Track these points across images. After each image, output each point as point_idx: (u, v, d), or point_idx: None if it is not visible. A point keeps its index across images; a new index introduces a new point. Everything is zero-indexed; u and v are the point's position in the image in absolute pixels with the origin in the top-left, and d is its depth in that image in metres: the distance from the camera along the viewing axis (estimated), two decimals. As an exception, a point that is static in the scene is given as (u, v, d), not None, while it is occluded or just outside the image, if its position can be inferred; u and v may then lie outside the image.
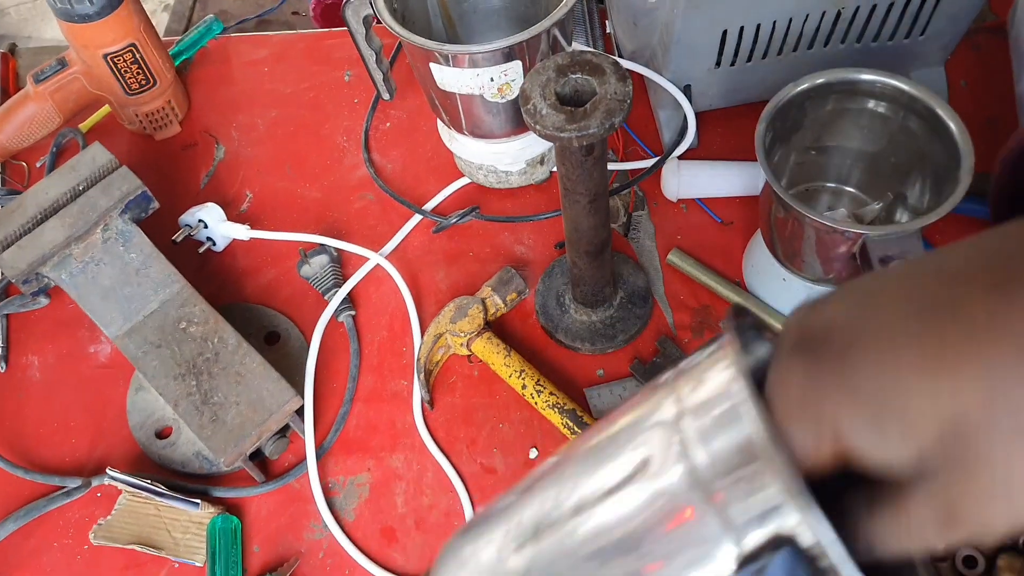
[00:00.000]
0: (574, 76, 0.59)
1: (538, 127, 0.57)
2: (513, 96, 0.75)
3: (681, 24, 0.75)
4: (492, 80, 0.73)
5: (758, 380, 0.33)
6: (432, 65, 0.73)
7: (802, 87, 0.70)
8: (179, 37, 1.02)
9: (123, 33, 0.84)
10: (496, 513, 0.38)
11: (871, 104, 0.71)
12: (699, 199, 0.87)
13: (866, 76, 0.69)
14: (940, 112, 0.66)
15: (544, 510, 0.35)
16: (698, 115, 0.87)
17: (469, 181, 0.90)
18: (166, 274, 0.75)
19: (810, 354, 0.29)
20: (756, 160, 0.68)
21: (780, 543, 0.29)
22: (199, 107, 0.99)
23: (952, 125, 0.65)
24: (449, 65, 0.73)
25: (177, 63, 1.00)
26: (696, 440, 0.31)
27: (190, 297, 0.75)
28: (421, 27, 0.82)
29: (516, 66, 0.73)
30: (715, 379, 0.31)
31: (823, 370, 0.28)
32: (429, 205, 0.89)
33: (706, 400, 0.31)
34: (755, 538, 0.29)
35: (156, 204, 0.77)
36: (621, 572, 0.33)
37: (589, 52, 0.59)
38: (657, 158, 0.87)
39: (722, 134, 0.90)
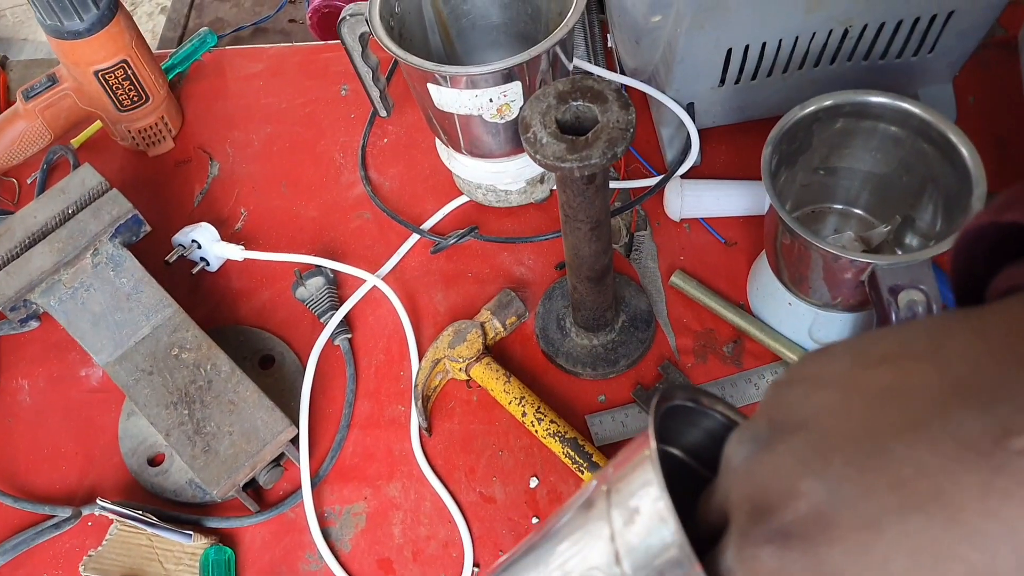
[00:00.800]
0: (575, 103, 0.57)
1: (538, 156, 0.56)
2: (513, 117, 0.74)
3: (684, 43, 0.73)
4: (491, 101, 0.72)
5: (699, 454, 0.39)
6: (430, 85, 0.72)
7: (809, 109, 0.68)
8: (173, 50, 1.01)
9: (114, 50, 0.83)
10: None
11: (881, 126, 0.69)
12: (702, 219, 0.85)
13: (875, 99, 0.68)
14: (952, 137, 0.64)
15: None
16: (701, 132, 0.85)
17: (468, 199, 0.88)
18: (158, 299, 0.73)
19: (779, 539, 0.26)
20: (761, 179, 0.66)
21: None
22: (193, 122, 0.98)
23: (964, 151, 0.63)
24: (447, 86, 0.71)
25: (170, 77, 0.98)
26: None
27: (182, 322, 0.73)
28: (418, 44, 0.81)
29: (516, 87, 0.71)
30: (649, 514, 0.32)
31: (796, 563, 0.26)
32: (427, 224, 0.87)
33: (645, 545, 0.32)
34: None
35: (147, 228, 0.75)
36: None
37: (591, 78, 0.58)
38: (660, 177, 0.86)
39: (726, 151, 0.89)
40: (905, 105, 0.66)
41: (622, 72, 0.90)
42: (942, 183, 0.67)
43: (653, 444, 0.35)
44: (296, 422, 0.74)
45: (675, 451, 0.47)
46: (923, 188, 0.70)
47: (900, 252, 0.75)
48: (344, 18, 0.76)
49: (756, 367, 0.77)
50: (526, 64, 0.69)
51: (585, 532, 0.36)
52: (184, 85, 1.00)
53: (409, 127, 0.95)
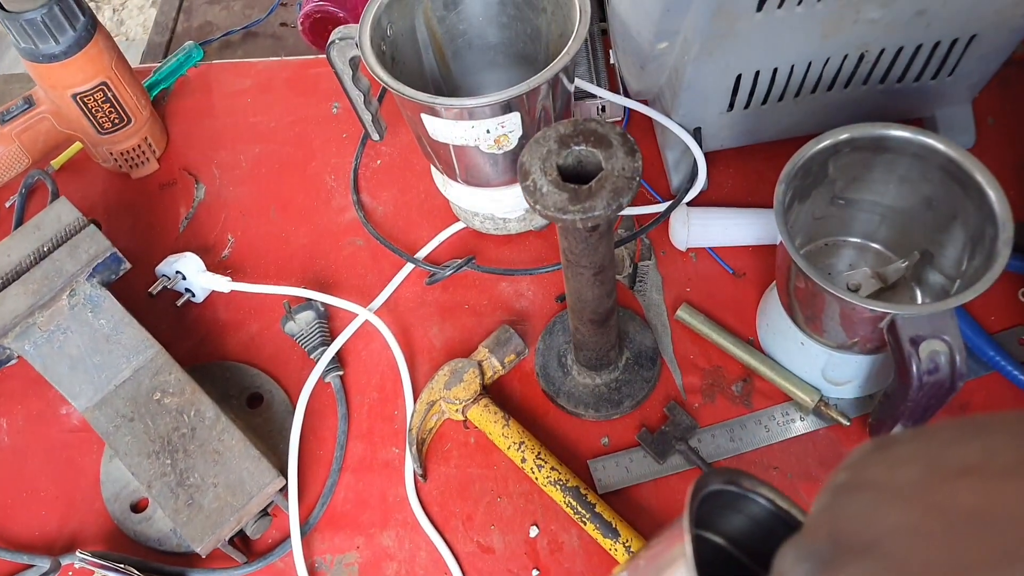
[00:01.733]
0: (578, 148, 0.54)
1: (538, 207, 0.52)
2: (511, 147, 0.70)
3: (692, 70, 0.69)
4: (488, 132, 0.68)
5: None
6: (423, 116, 0.68)
7: (824, 143, 0.65)
8: (156, 64, 0.97)
9: (93, 72, 0.79)
10: None
11: (901, 160, 0.66)
12: (710, 248, 0.81)
13: (895, 132, 0.64)
14: (979, 177, 0.60)
15: None
16: (708, 155, 0.82)
17: (464, 226, 0.84)
18: (139, 339, 0.70)
19: None
20: (770, 206, 0.62)
21: None
22: (178, 142, 0.94)
23: (991, 193, 0.59)
24: (442, 117, 0.67)
25: (154, 93, 0.94)
26: None
27: (165, 364, 0.70)
28: (412, 66, 0.77)
29: (514, 118, 0.67)
30: None
31: None
32: (422, 252, 0.84)
33: None
34: None
35: (127, 265, 0.72)
36: None
37: (594, 121, 0.54)
38: (665, 205, 0.82)
39: (734, 176, 0.85)
40: (928, 141, 0.63)
41: (625, 93, 0.86)
42: (966, 221, 0.64)
43: (689, 549, 0.32)
44: (285, 468, 0.71)
45: (713, 537, 0.44)
46: (946, 225, 0.66)
47: (918, 289, 0.71)
48: (333, 41, 0.72)
49: (766, 407, 0.74)
50: (525, 95, 0.65)
51: None
52: (169, 102, 0.96)
53: (403, 148, 0.91)
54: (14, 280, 0.68)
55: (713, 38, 0.65)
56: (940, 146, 0.62)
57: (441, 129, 0.69)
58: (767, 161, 0.84)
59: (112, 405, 0.68)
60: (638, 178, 0.52)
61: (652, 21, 0.65)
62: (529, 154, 0.53)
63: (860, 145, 0.65)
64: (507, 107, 0.66)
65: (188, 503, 0.64)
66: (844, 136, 0.65)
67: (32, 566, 0.71)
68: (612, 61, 0.90)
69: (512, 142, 0.70)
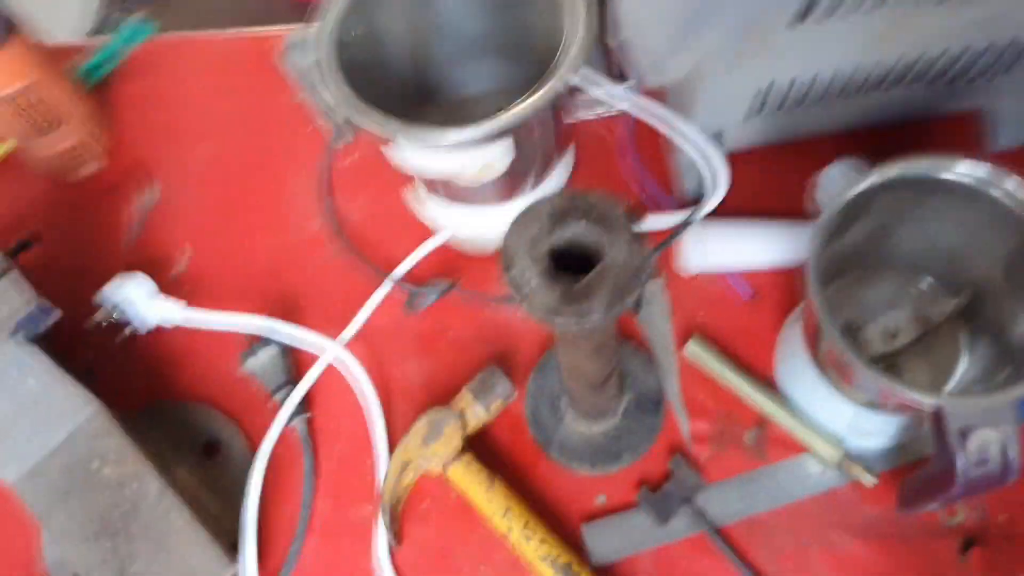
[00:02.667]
0: (574, 225, 0.44)
1: (524, 305, 0.43)
2: (499, 175, 0.60)
3: (715, 81, 0.59)
4: (472, 162, 0.58)
5: None
6: (392, 145, 0.58)
7: (867, 185, 0.54)
8: (97, 41, 0.85)
9: (13, 75, 0.68)
10: None
11: (959, 198, 0.55)
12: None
13: (958, 170, 0.54)
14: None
15: None
16: (727, 156, 0.71)
17: (448, 240, 0.74)
18: (73, 398, 0.61)
19: None
20: (794, 214, 0.53)
21: None
22: (127, 135, 0.83)
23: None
24: (412, 147, 0.57)
25: (99, 76, 0.83)
26: None
27: (103, 427, 0.61)
28: (383, 67, 0.65)
29: (501, 147, 0.57)
30: None
31: None
32: (401, 269, 0.74)
33: None
34: None
35: (56, 315, 0.62)
36: None
37: (594, 193, 0.44)
38: (676, 215, 0.72)
39: (755, 176, 0.74)
40: (1004, 182, 0.52)
41: (632, 89, 0.75)
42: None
43: None
44: (236, 540, 0.64)
45: None
46: (1012, 276, 0.56)
47: (966, 337, 0.62)
48: (287, 50, 0.61)
49: (781, 460, 0.66)
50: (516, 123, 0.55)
51: None
52: (115, 85, 0.85)
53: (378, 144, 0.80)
54: (-80, 340, 0.59)
55: (741, 54, 0.55)
56: (1011, 189, 0.52)
57: (412, 160, 0.58)
58: (796, 159, 0.73)
59: (44, 477, 0.60)
60: (644, 274, 0.42)
61: (667, 36, 0.54)
62: (515, 236, 0.44)
63: (910, 184, 0.55)
64: (494, 136, 0.55)
65: (132, 594, 0.57)
66: (894, 175, 0.54)
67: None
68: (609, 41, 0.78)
69: (498, 170, 0.59)
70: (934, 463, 0.54)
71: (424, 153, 0.57)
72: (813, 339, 0.59)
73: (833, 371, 0.60)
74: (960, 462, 0.50)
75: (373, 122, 0.55)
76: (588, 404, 0.63)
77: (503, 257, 0.44)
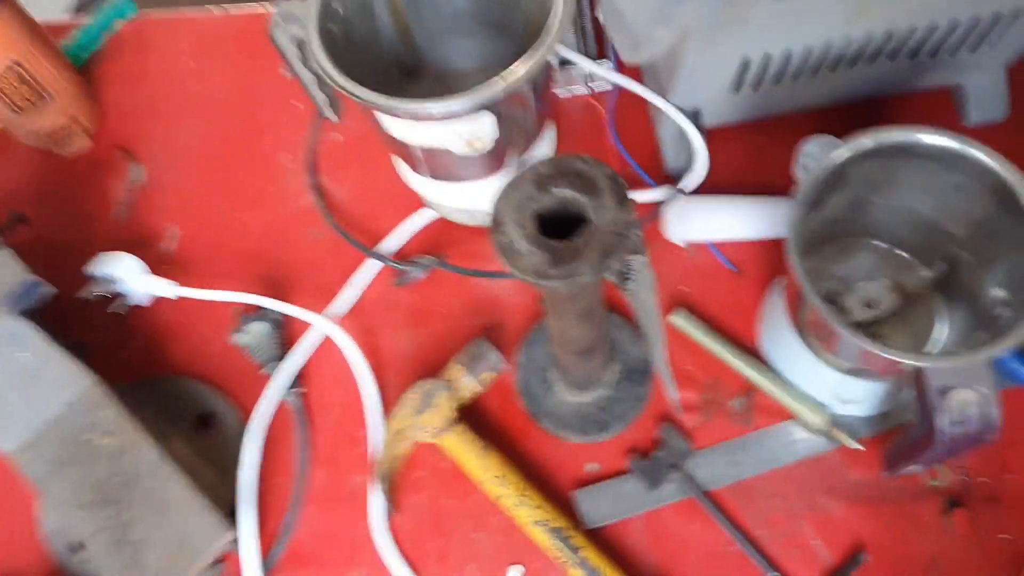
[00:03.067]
0: (559, 191, 0.45)
1: (514, 269, 0.44)
2: (486, 149, 0.61)
3: (694, 56, 0.60)
4: (459, 135, 0.58)
5: None
6: (379, 115, 0.58)
7: (844, 157, 0.56)
8: (82, 21, 0.85)
9: (1, 48, 0.68)
10: None
11: (932, 167, 0.57)
12: (709, 242, 0.73)
13: (928, 140, 0.55)
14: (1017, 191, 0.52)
15: None
16: (709, 131, 0.72)
17: (436, 215, 0.75)
18: (68, 372, 0.62)
19: None
20: (777, 191, 0.54)
21: None
22: (112, 112, 0.83)
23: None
24: (404, 119, 0.57)
25: (83, 55, 0.83)
26: None
27: (99, 399, 0.62)
28: (368, 42, 0.66)
29: (486, 120, 0.58)
30: None
31: None
32: (388, 245, 0.75)
33: None
34: None
35: (49, 290, 0.63)
36: None
37: (579, 158, 0.45)
38: (659, 190, 0.73)
39: (736, 152, 0.76)
40: (972, 152, 0.54)
41: (617, 69, 0.76)
42: (1006, 244, 0.56)
43: None
44: (236, 503, 0.65)
45: None
46: (986, 243, 0.58)
47: (944, 304, 0.64)
48: (276, 23, 0.61)
49: (768, 426, 0.67)
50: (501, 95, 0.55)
51: None
52: (100, 64, 0.85)
53: (364, 123, 0.80)
54: (-85, 315, 0.60)
55: (720, 25, 0.55)
56: (980, 155, 0.54)
57: (402, 130, 0.59)
58: (776, 135, 0.74)
59: (43, 447, 0.61)
60: (630, 233, 0.43)
61: (649, 6, 0.55)
62: (502, 202, 0.45)
63: (886, 153, 0.56)
64: (480, 107, 0.56)
65: (132, 562, 0.58)
66: (869, 145, 0.55)
67: (-30, 612, 0.65)
68: (598, 16, 0.79)
69: (487, 144, 0.60)
70: (917, 424, 0.55)
71: (412, 125, 0.58)
72: (795, 307, 0.60)
73: (816, 339, 0.62)
74: (941, 421, 0.51)
75: (364, 95, 0.55)
76: (577, 373, 0.64)
77: (492, 222, 0.45)
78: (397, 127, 0.59)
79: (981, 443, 0.53)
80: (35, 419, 0.62)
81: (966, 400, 0.51)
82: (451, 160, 0.63)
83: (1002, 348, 0.50)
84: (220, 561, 0.63)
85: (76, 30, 0.85)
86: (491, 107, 0.56)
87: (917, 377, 0.52)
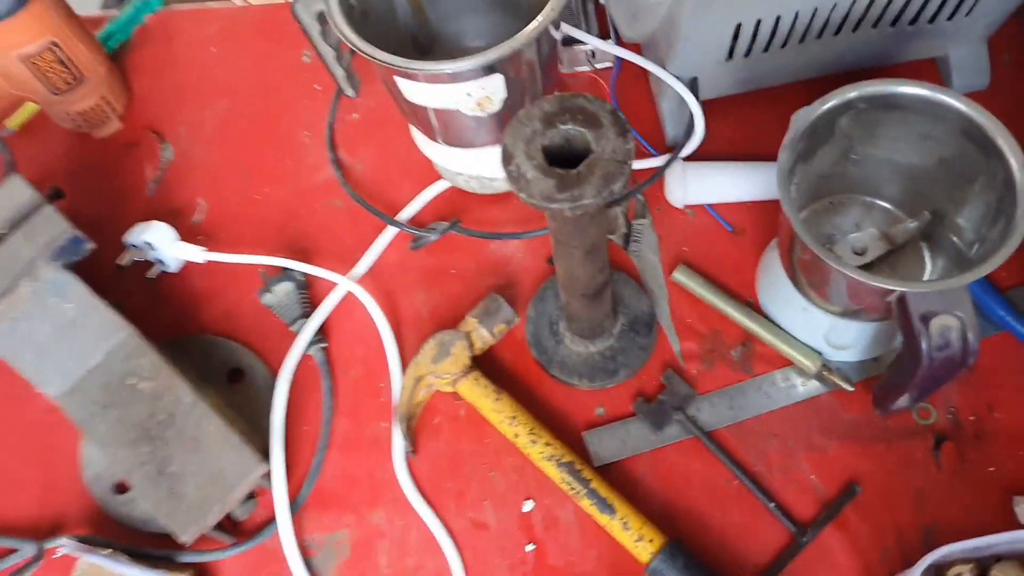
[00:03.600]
0: (564, 127, 0.49)
1: (523, 195, 0.48)
2: (495, 109, 0.65)
3: (688, 22, 0.64)
4: (469, 95, 0.63)
5: None
6: (398, 79, 0.63)
7: (830, 104, 0.60)
8: (111, 12, 0.90)
9: (39, 31, 0.73)
10: None
11: (912, 118, 0.61)
12: (708, 204, 0.77)
13: (908, 90, 0.59)
14: (1000, 143, 0.56)
15: None
16: (706, 102, 0.77)
17: (449, 185, 0.80)
18: (108, 322, 0.67)
19: None
20: (772, 157, 0.58)
21: None
22: (142, 98, 0.88)
23: (1013, 161, 0.55)
24: (419, 80, 0.62)
25: (113, 45, 0.88)
26: None
27: (137, 347, 0.66)
28: (384, 18, 0.71)
29: (496, 80, 0.62)
30: None
31: None
32: (404, 213, 0.79)
33: None
34: None
35: (90, 246, 0.67)
36: None
37: (582, 97, 0.49)
38: (660, 157, 0.77)
39: (733, 124, 0.80)
40: (946, 99, 0.58)
41: (617, 43, 0.80)
42: (981, 186, 0.60)
43: None
44: (267, 448, 0.69)
45: None
46: (962, 188, 0.62)
47: (928, 251, 0.68)
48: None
49: (767, 372, 0.71)
50: (508, 56, 0.60)
51: None
52: (129, 54, 0.90)
53: (381, 100, 0.85)
54: (-33, 267, 0.64)
55: (711, -11, 0.60)
56: (956, 103, 0.58)
57: (418, 92, 0.64)
58: (769, 108, 0.78)
59: (85, 392, 0.65)
60: (630, 162, 0.47)
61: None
62: (512, 136, 0.49)
63: (869, 103, 0.61)
64: (489, 68, 0.61)
65: (170, 494, 0.62)
66: (852, 95, 0.60)
67: (16, 550, 0.69)
68: (601, 0, 0.84)
69: (496, 104, 0.65)
70: (902, 354, 0.59)
71: (427, 88, 0.62)
72: (788, 253, 0.64)
73: (808, 286, 0.66)
74: (924, 345, 0.55)
75: (381, 56, 0.60)
76: (585, 321, 0.68)
77: (502, 154, 0.49)
78: (413, 90, 0.63)
79: (962, 368, 0.57)
80: (78, 366, 0.66)
81: (947, 325, 0.55)
82: (463, 123, 0.67)
83: (974, 275, 0.54)
84: (253, 496, 0.67)
85: (107, 23, 0.90)
86: (500, 68, 0.61)
87: (900, 305, 0.56)
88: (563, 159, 0.49)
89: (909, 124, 0.61)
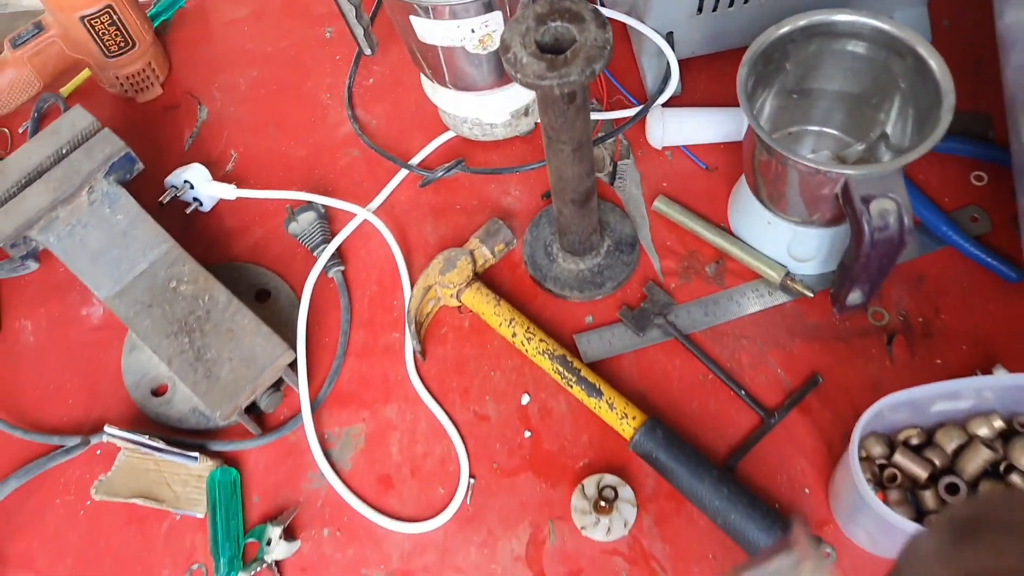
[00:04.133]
0: (554, 24, 0.59)
1: (519, 76, 0.57)
2: (494, 47, 0.75)
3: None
4: (473, 32, 0.73)
5: None
6: (412, 18, 0.73)
7: (784, 30, 0.70)
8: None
9: (97, -5, 0.84)
10: None
11: (852, 45, 0.71)
12: (684, 146, 0.87)
13: (846, 17, 0.69)
14: (921, 51, 0.66)
15: None
16: (681, 63, 0.87)
17: (454, 135, 0.90)
18: (154, 235, 0.75)
19: None
20: (740, 106, 0.68)
21: None
22: (180, 68, 0.99)
23: (933, 63, 0.65)
24: (429, 17, 0.72)
25: (156, 24, 0.99)
26: None
27: (179, 257, 0.75)
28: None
29: (496, 16, 0.72)
30: None
31: None
32: (415, 160, 0.89)
33: None
34: None
35: (140, 165, 0.77)
36: None
37: (568, 2, 0.59)
38: (641, 106, 0.87)
39: (705, 81, 0.91)
40: (874, 22, 0.68)
41: (602, 4, 0.91)
42: (912, 96, 0.70)
43: None
44: (294, 350, 0.77)
45: None
46: (894, 103, 0.72)
47: (874, 169, 0.77)
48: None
49: (738, 285, 0.80)
50: (505, -7, 0.70)
51: None
52: (169, 32, 1.01)
53: (394, 66, 0.96)
54: (36, 179, 0.73)
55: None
56: (885, 26, 0.68)
57: (429, 31, 0.74)
58: (736, 67, 0.88)
59: (131, 294, 0.74)
60: (609, 47, 0.57)
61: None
62: (509, 31, 0.59)
63: (816, 31, 0.71)
64: (489, 6, 0.71)
65: (206, 376, 0.70)
66: (802, 22, 0.70)
67: (62, 446, 0.76)
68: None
69: (495, 42, 0.75)
70: (850, 246, 0.68)
71: (434, 25, 0.73)
72: (752, 168, 0.74)
73: (769, 200, 0.75)
74: (865, 223, 0.64)
75: (398, -8, 0.71)
76: (575, 233, 0.77)
77: (502, 47, 0.59)
78: (425, 29, 0.74)
79: (901, 249, 0.65)
80: (127, 272, 0.75)
81: (885, 208, 0.64)
82: (467, 63, 0.77)
83: (906, 159, 0.63)
84: (279, 390, 0.75)
85: (152, 6, 1.01)
86: (498, 5, 0.71)
87: (845, 192, 0.65)
88: (553, 53, 0.59)
89: (847, 50, 0.71)
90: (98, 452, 0.77)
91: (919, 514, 0.65)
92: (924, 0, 0.87)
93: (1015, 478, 0.64)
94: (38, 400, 0.80)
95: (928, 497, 0.64)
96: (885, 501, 0.65)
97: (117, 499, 0.73)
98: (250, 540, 0.71)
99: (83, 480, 0.75)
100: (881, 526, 0.61)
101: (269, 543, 0.70)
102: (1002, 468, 0.64)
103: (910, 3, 0.87)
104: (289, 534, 0.72)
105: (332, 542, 0.72)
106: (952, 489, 0.64)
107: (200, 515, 0.72)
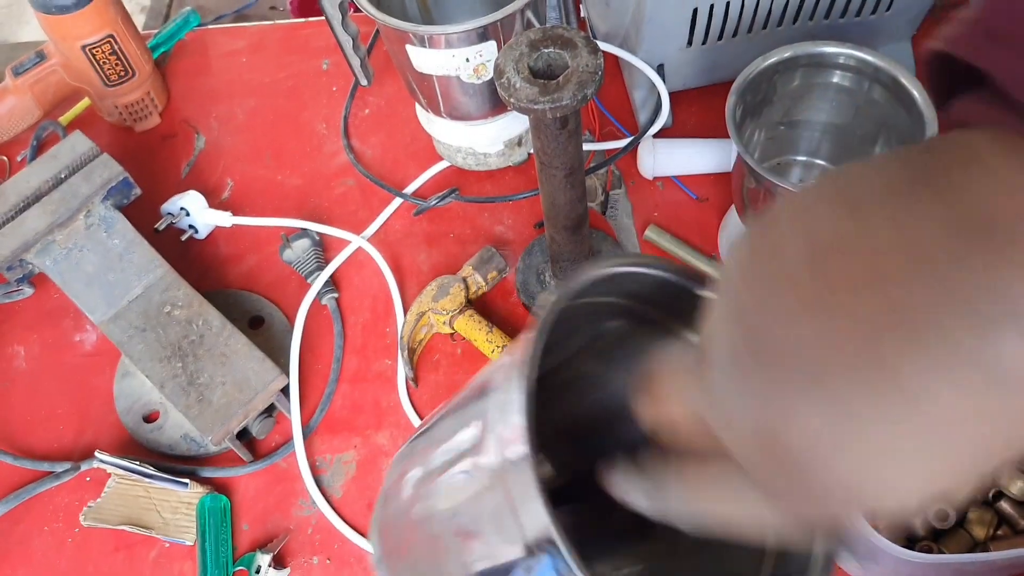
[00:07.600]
0: (547, 51, 0.60)
1: (512, 100, 0.59)
2: (489, 77, 0.77)
3: (651, 3, 0.77)
4: (468, 61, 0.75)
5: None
6: (408, 47, 0.75)
7: (771, 61, 0.72)
8: (156, 30, 1.03)
9: (100, 24, 0.85)
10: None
11: (837, 77, 0.73)
12: (675, 176, 0.88)
13: (831, 49, 0.71)
14: (904, 81, 0.67)
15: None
16: (673, 95, 0.89)
17: (448, 164, 0.91)
18: (149, 259, 0.76)
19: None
20: (729, 137, 0.69)
21: (548, 543, 0.30)
22: (178, 98, 1.00)
23: (916, 93, 0.67)
24: (425, 47, 0.74)
25: (155, 55, 1.01)
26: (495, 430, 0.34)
27: (173, 281, 0.76)
28: (396, 12, 0.83)
29: (491, 46, 0.74)
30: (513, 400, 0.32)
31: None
32: (409, 189, 0.90)
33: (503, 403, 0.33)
34: (532, 531, 0.31)
35: (138, 190, 0.78)
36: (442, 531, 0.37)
37: (561, 27, 0.61)
38: (632, 137, 0.89)
39: (696, 113, 0.92)
40: (858, 53, 0.70)
41: (594, 37, 0.93)
42: (896, 128, 0.71)
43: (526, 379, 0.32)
44: (287, 375, 0.77)
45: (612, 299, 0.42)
46: (878, 134, 0.73)
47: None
48: (321, -11, 0.78)
49: (728, 314, 0.80)
50: (500, 23, 0.72)
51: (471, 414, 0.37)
52: (168, 63, 1.03)
53: (389, 98, 0.97)
54: (35, 202, 0.74)
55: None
56: (869, 57, 0.70)
57: (424, 60, 0.75)
58: (726, 100, 0.90)
59: (125, 318, 0.74)
60: (600, 73, 0.58)
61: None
62: (503, 57, 0.60)
63: (801, 63, 0.72)
64: (483, 35, 0.73)
65: (199, 400, 0.70)
66: (788, 54, 0.72)
67: (51, 472, 0.76)
68: (583, 15, 0.97)
69: (489, 72, 0.76)
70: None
71: (430, 54, 0.74)
72: (741, 194, 0.75)
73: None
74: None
75: (394, 22, 0.72)
76: (568, 259, 0.78)
77: (496, 72, 0.60)
78: (418, 56, 0.75)
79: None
80: (121, 296, 0.75)
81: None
82: (462, 93, 0.78)
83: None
84: (272, 415, 0.75)
85: (152, 39, 1.02)
86: (492, 34, 0.73)
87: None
88: (546, 78, 0.60)
89: (833, 82, 0.73)
90: (88, 479, 0.76)
91: (910, 541, 0.65)
92: (909, 35, 0.89)
93: (1004, 505, 0.64)
94: (29, 425, 0.80)
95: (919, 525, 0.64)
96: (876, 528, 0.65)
97: (106, 526, 0.72)
98: (239, 568, 0.71)
99: (72, 506, 0.75)
100: (872, 551, 0.61)
101: (258, 571, 0.70)
102: (991, 495, 0.65)
103: (895, 37, 0.89)
104: (279, 562, 0.71)
105: (322, 570, 0.71)
106: (941, 516, 0.64)
107: (189, 542, 0.72)
